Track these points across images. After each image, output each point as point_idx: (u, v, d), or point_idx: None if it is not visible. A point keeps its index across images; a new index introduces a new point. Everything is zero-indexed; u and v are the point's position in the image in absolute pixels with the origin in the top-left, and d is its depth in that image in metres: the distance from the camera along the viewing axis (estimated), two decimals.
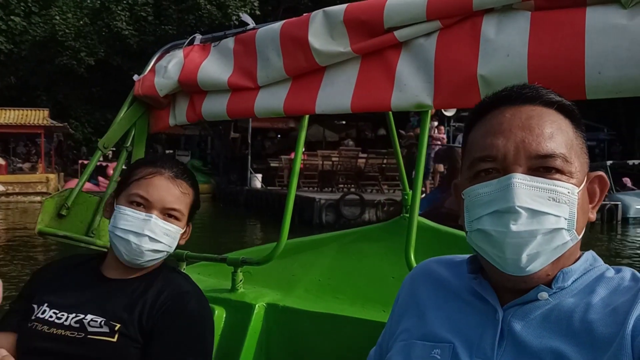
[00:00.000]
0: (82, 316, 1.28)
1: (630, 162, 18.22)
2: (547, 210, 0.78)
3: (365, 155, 15.90)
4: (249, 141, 19.70)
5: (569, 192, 0.80)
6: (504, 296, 0.86)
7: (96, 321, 1.27)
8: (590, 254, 0.89)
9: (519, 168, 0.80)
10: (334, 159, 15.75)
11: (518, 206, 0.77)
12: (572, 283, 0.83)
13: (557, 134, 0.82)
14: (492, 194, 0.81)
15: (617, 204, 14.86)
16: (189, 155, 25.01)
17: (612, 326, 0.75)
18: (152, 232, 1.30)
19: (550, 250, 0.79)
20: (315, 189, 15.71)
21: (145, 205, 1.32)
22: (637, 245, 11.91)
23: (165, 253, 1.37)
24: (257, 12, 19.43)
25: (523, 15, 1.38)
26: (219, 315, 1.65)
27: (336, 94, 1.66)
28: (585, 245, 0.88)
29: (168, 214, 1.34)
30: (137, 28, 18.18)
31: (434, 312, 0.95)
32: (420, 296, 1.00)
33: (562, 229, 0.79)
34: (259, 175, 17.91)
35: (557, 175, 0.80)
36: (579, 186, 0.82)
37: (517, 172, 0.80)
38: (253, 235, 13.76)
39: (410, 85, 1.53)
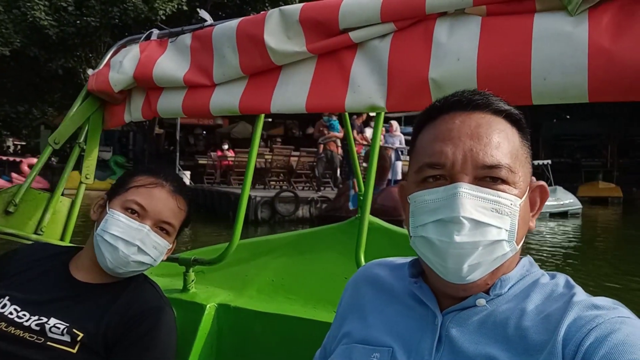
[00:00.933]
0: (45, 320, 1.22)
1: (536, 162, 18.62)
2: (489, 221, 0.79)
3: (297, 153, 16.15)
4: (177, 138, 19.12)
5: (511, 204, 0.81)
6: (443, 301, 0.87)
7: (58, 328, 1.21)
8: (526, 260, 0.90)
9: (465, 177, 0.81)
10: (267, 156, 15.92)
11: (462, 216, 0.78)
12: (508, 290, 0.85)
13: (503, 144, 0.83)
14: (438, 202, 0.82)
15: None
16: (110, 151, 23.80)
17: (545, 333, 0.76)
18: (142, 243, 1.27)
19: (490, 261, 0.80)
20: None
21: (140, 214, 1.29)
22: (541, 238, 11.92)
23: (149, 267, 1.33)
24: (185, 8, 19.09)
25: (474, 20, 1.40)
26: None
27: (291, 94, 1.65)
28: None
29: (161, 227, 1.32)
30: (57, 18, 17.24)
31: (374, 316, 0.95)
32: (362, 299, 1.00)
33: (503, 240, 0.80)
34: (187, 173, 17.56)
35: (502, 186, 0.81)
36: (521, 197, 0.83)
37: (464, 181, 0.81)
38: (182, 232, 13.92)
39: (364, 86, 1.53)
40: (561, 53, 1.25)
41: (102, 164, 20.45)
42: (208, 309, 1.63)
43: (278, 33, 1.65)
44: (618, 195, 21.51)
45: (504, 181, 0.82)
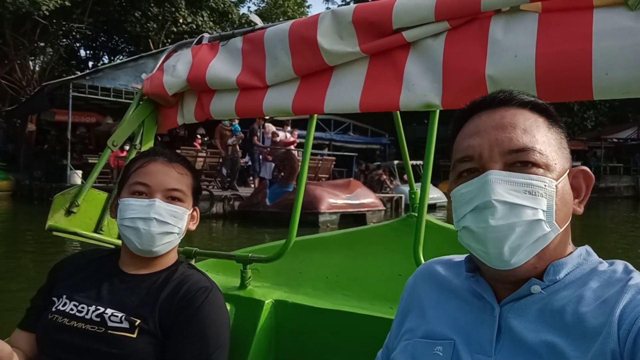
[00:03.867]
0: (102, 309, 1.29)
1: (412, 162, 20.82)
2: (523, 202, 0.81)
3: (204, 154, 16.36)
4: (69, 136, 18.53)
5: (545, 185, 0.82)
6: (500, 293, 0.89)
7: (117, 316, 1.28)
8: (584, 249, 0.91)
9: (495, 165, 0.84)
10: None
11: (494, 200, 0.81)
12: (564, 276, 0.85)
13: (530, 130, 0.86)
14: (473, 192, 0.85)
15: (402, 196, 18.37)
16: None
17: (601, 317, 0.77)
18: (158, 214, 1.33)
19: (531, 242, 0.81)
20: None
21: (146, 192, 1.35)
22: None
23: (177, 235, 1.39)
24: (67, 3, 18.85)
25: (531, 16, 1.40)
26: (229, 311, 1.67)
27: (344, 94, 1.68)
28: None
29: (171, 196, 1.37)
30: None
31: (435, 311, 0.97)
32: (422, 296, 1.02)
33: (541, 220, 0.81)
34: (79, 172, 17.36)
35: (534, 169, 0.83)
36: (557, 179, 0.84)
37: (494, 168, 0.84)
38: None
39: (419, 85, 1.54)
40: (623, 48, 1.24)
41: None
42: (266, 305, 1.67)
43: (331, 34, 1.68)
44: None
45: (535, 164, 0.83)
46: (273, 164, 15.41)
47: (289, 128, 16.71)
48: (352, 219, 13.33)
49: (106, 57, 32.74)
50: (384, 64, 1.63)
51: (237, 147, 15.41)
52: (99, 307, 1.30)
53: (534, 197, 0.82)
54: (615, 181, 30.10)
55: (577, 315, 0.79)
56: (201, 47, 2.06)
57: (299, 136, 16.34)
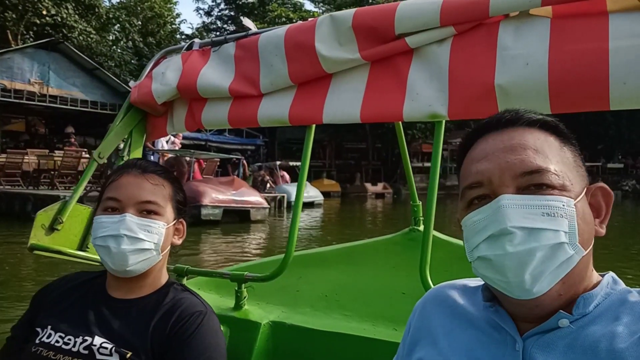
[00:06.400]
0: (90, 340, 1.20)
1: (292, 163, 25.41)
2: (543, 226, 0.75)
3: (87, 156, 16.34)
4: None
5: (564, 205, 0.76)
6: (522, 325, 0.82)
7: (106, 348, 1.19)
8: (610, 277, 0.85)
9: (506, 189, 0.79)
10: (56, 158, 16.23)
11: (511, 227, 0.75)
12: (593, 309, 0.79)
13: (541, 150, 0.81)
14: (486, 220, 0.79)
15: (284, 195, 20.20)
16: None
17: None
18: (128, 230, 1.23)
19: (554, 267, 0.75)
20: (20, 187, 15.64)
21: (118, 207, 1.26)
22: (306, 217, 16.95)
23: (154, 252, 1.28)
24: None
25: (542, 22, 1.32)
26: (224, 333, 1.58)
27: (344, 103, 1.59)
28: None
29: (145, 210, 1.28)
30: None
31: (449, 341, 0.90)
32: (434, 324, 0.95)
33: (564, 243, 0.75)
34: None
35: (549, 191, 0.78)
36: (575, 198, 0.78)
37: (506, 192, 0.78)
38: None
39: (423, 94, 1.46)
40: None
41: None
42: (262, 327, 1.58)
43: (330, 40, 1.59)
44: (337, 190, 28.90)
45: (550, 186, 0.78)
46: None
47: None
48: (235, 214, 13.56)
49: None
50: (386, 72, 1.55)
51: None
52: (86, 338, 1.20)
53: (554, 219, 0.75)
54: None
55: (613, 353, 0.73)
56: (192, 53, 1.97)
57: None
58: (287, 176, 23.57)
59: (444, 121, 1.46)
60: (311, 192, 22.21)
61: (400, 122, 1.91)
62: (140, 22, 34.71)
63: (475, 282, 0.98)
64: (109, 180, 1.31)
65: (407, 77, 1.50)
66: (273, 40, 1.72)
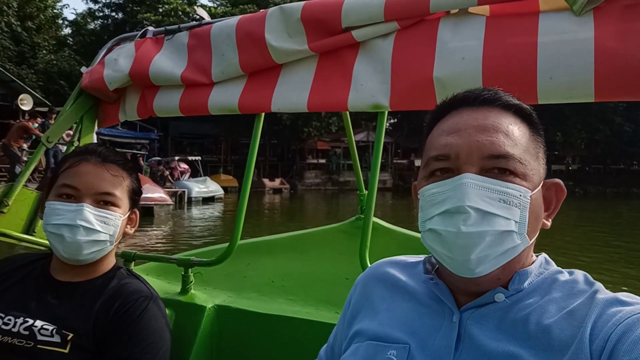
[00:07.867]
0: (31, 322, 1.18)
1: (190, 157, 27.40)
2: (497, 212, 0.77)
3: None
4: None
5: (520, 195, 0.79)
6: (460, 298, 0.86)
7: (47, 329, 1.17)
8: (543, 258, 0.89)
9: (471, 168, 0.80)
10: None
11: (468, 206, 0.77)
12: (527, 286, 0.83)
13: (511, 136, 0.82)
14: (445, 194, 0.80)
15: (184, 190, 20.94)
16: None
17: (569, 330, 0.75)
18: (86, 221, 1.22)
19: (499, 253, 0.78)
20: None
21: (75, 195, 1.24)
22: (201, 214, 18.10)
23: (108, 243, 1.28)
24: None
25: (479, 19, 1.39)
26: (169, 316, 1.59)
27: (292, 92, 1.63)
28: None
29: (103, 200, 1.27)
30: None
31: (388, 313, 0.93)
32: (374, 297, 0.98)
33: (513, 231, 0.78)
34: None
35: (511, 177, 0.80)
36: (532, 190, 0.81)
37: (470, 171, 0.80)
38: None
39: (367, 85, 1.52)
40: (567, 52, 1.25)
41: None
42: (208, 310, 1.60)
43: (279, 31, 1.63)
44: (235, 185, 29.52)
45: (513, 173, 0.80)
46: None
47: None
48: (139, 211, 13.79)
49: None
50: (333, 63, 1.60)
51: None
52: (27, 320, 1.19)
53: (508, 207, 0.78)
54: (351, 176, 34.20)
55: (542, 326, 0.77)
56: (145, 40, 1.97)
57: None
58: (186, 168, 24.44)
59: (386, 112, 1.51)
60: (212, 187, 23.32)
61: (347, 113, 1.97)
62: (16, 3, 31.44)
63: (414, 258, 1.01)
64: (65, 166, 1.28)
65: (352, 69, 1.55)
66: (225, 30, 1.75)
